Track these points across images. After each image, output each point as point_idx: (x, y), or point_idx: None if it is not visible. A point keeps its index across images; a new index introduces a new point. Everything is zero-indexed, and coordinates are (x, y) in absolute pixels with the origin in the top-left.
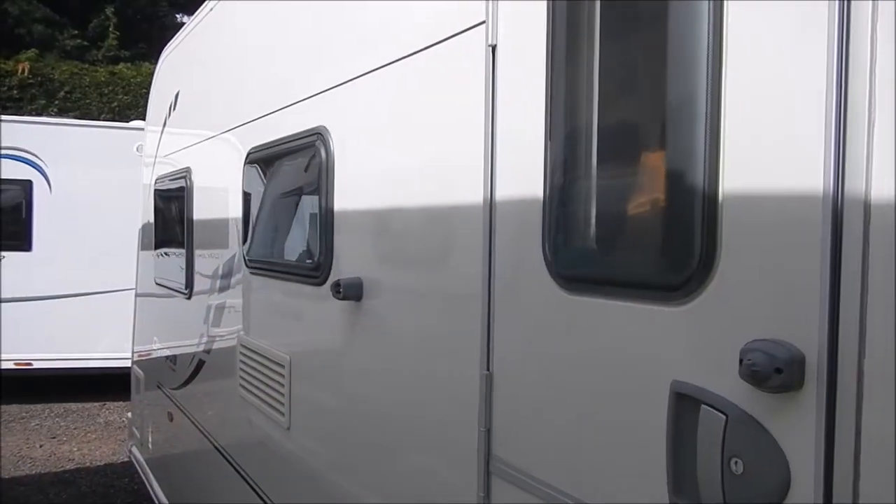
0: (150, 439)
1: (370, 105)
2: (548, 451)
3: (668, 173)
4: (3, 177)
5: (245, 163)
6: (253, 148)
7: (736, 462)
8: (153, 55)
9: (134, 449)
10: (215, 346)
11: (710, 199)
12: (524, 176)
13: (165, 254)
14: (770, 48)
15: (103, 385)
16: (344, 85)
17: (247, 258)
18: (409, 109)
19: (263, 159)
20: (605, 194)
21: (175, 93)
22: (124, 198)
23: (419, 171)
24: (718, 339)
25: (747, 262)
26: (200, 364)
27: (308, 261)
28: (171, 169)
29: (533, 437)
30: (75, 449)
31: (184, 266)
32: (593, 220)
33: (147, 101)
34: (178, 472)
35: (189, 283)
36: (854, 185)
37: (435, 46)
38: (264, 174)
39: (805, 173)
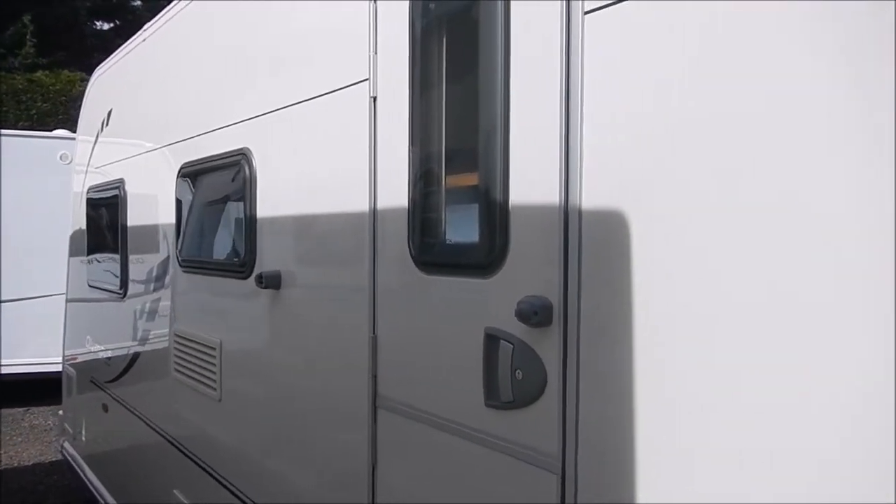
0: (83, 432)
1: (286, 132)
2: (413, 384)
3: (480, 188)
4: None
5: (178, 176)
6: (185, 163)
7: (518, 372)
8: (72, 63)
9: (66, 444)
10: (150, 338)
11: (503, 207)
12: (396, 191)
13: (98, 258)
14: (533, 103)
15: (27, 390)
16: (266, 115)
17: (180, 259)
18: (315, 138)
19: (194, 173)
20: (446, 203)
21: (108, 110)
22: (48, 205)
23: (322, 187)
24: (509, 298)
25: (524, 249)
26: (136, 356)
27: (235, 259)
28: (105, 179)
29: (404, 377)
30: (2, 452)
31: (118, 269)
32: (441, 222)
33: (66, 109)
34: (115, 457)
35: (124, 284)
36: (574, 196)
37: (334, 92)
38: (195, 186)
39: (549, 190)
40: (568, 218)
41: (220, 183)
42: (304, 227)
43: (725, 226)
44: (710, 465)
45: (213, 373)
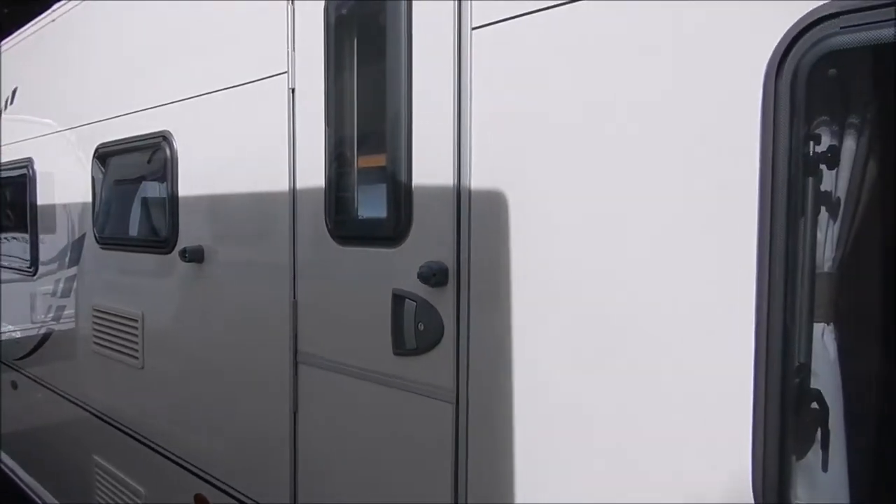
0: None
1: (209, 117)
2: (330, 340)
3: (388, 170)
4: None
5: (94, 156)
6: (102, 143)
7: (420, 325)
8: None
9: None
10: (64, 314)
11: (408, 188)
12: (313, 173)
13: (5, 237)
14: (431, 99)
15: None
16: (188, 100)
17: (97, 236)
18: (238, 123)
19: (112, 153)
20: (358, 184)
21: (13, 88)
22: None
23: (246, 168)
24: (412, 264)
25: (425, 223)
26: (48, 333)
27: (157, 235)
28: (9, 158)
29: (322, 335)
30: None
31: (27, 248)
32: (354, 201)
33: None
34: (29, 432)
35: (34, 263)
36: (465, 179)
37: (256, 82)
38: (113, 166)
39: (445, 173)
40: (460, 197)
41: (139, 163)
42: (228, 205)
43: (585, 209)
44: (567, 382)
45: (135, 343)
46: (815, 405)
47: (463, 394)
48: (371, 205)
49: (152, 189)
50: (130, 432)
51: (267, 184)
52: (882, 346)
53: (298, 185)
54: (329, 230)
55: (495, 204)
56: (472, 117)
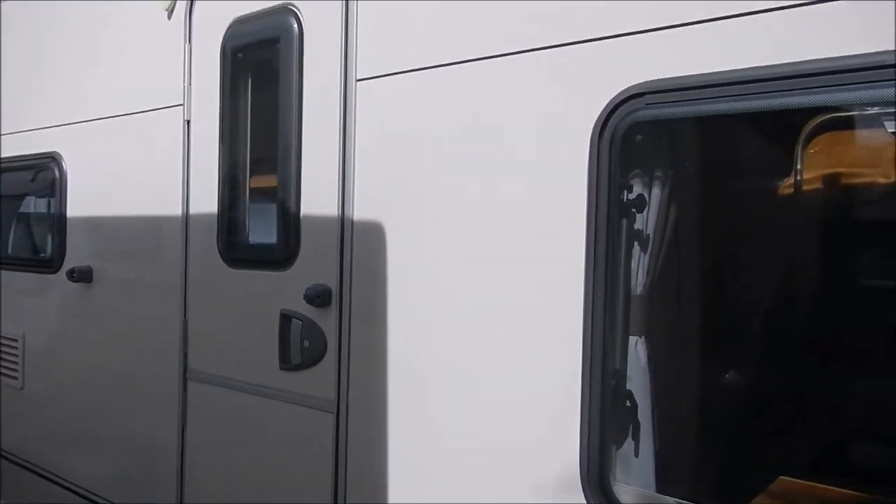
0: None
1: (103, 141)
2: (219, 358)
3: (279, 201)
4: None
5: None
6: None
7: (306, 342)
8: None
9: None
10: None
11: (296, 216)
12: (207, 200)
13: None
14: (320, 138)
15: None
16: (80, 123)
17: None
18: (132, 148)
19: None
20: (250, 213)
21: None
22: None
23: (137, 192)
24: (300, 286)
25: (312, 248)
26: None
27: (42, 254)
28: None
29: (212, 353)
30: None
31: None
32: (246, 228)
33: None
34: None
35: None
36: (349, 209)
37: (152, 112)
38: (1, 184)
39: (331, 204)
40: (344, 225)
41: (23, 182)
42: (119, 227)
43: (453, 236)
44: (435, 390)
45: (15, 363)
46: (628, 403)
47: (343, 404)
48: (262, 232)
49: (39, 208)
50: (9, 456)
51: (160, 209)
52: (681, 355)
53: (191, 212)
54: (221, 253)
55: (375, 230)
56: (355, 155)
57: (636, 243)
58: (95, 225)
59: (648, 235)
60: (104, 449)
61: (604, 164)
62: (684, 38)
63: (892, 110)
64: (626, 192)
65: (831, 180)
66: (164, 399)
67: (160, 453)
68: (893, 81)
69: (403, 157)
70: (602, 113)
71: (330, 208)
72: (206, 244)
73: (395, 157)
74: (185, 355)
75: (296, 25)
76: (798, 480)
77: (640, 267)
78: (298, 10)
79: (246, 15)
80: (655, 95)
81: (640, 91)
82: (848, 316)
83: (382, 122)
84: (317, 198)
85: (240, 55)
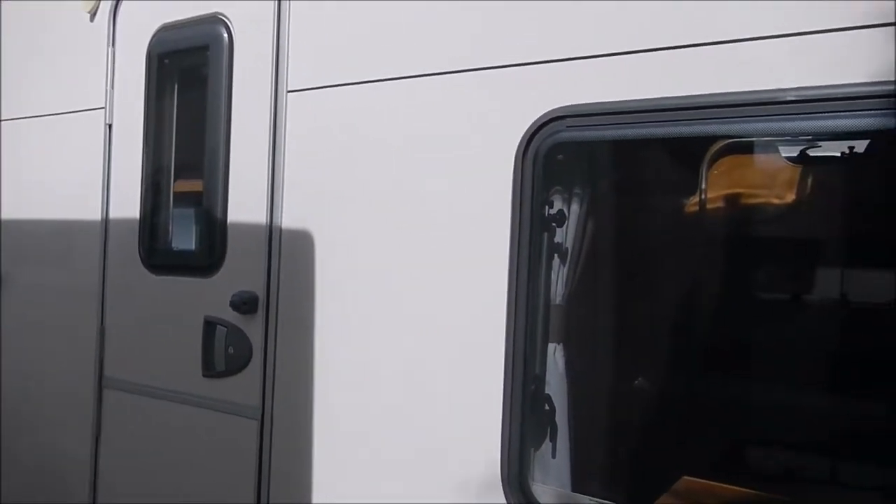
0: None
1: (18, 140)
2: (138, 365)
3: (205, 209)
4: None
5: None
6: None
7: (231, 349)
8: None
9: None
10: None
11: (223, 224)
12: (128, 204)
13: None
14: (249, 145)
15: None
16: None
17: None
18: (50, 149)
19: None
20: (174, 219)
21: None
22: None
23: (54, 194)
24: (225, 293)
25: (238, 256)
26: None
27: None
28: None
29: (130, 360)
30: None
31: None
32: (169, 234)
33: None
34: None
35: None
36: (276, 217)
37: (72, 113)
38: None
39: (258, 212)
40: (272, 233)
41: None
42: (33, 230)
43: (380, 247)
44: (367, 403)
45: None
46: (547, 407)
47: (268, 411)
48: (186, 238)
49: None
50: None
51: (78, 211)
52: (595, 361)
53: (112, 217)
54: (143, 259)
55: (304, 239)
56: (285, 163)
57: (556, 255)
58: (6, 228)
59: (567, 248)
60: (13, 462)
61: (527, 181)
62: (603, 68)
63: (785, 139)
64: (547, 207)
65: (732, 200)
66: (77, 408)
67: (72, 465)
68: (784, 116)
69: (333, 168)
70: (526, 133)
71: (258, 216)
72: (128, 250)
73: (325, 167)
74: (101, 363)
75: (226, 35)
76: (699, 480)
77: (559, 278)
78: (228, 20)
79: (174, 22)
80: (575, 119)
81: (562, 114)
82: (745, 325)
83: (313, 133)
84: (244, 205)
85: (166, 61)
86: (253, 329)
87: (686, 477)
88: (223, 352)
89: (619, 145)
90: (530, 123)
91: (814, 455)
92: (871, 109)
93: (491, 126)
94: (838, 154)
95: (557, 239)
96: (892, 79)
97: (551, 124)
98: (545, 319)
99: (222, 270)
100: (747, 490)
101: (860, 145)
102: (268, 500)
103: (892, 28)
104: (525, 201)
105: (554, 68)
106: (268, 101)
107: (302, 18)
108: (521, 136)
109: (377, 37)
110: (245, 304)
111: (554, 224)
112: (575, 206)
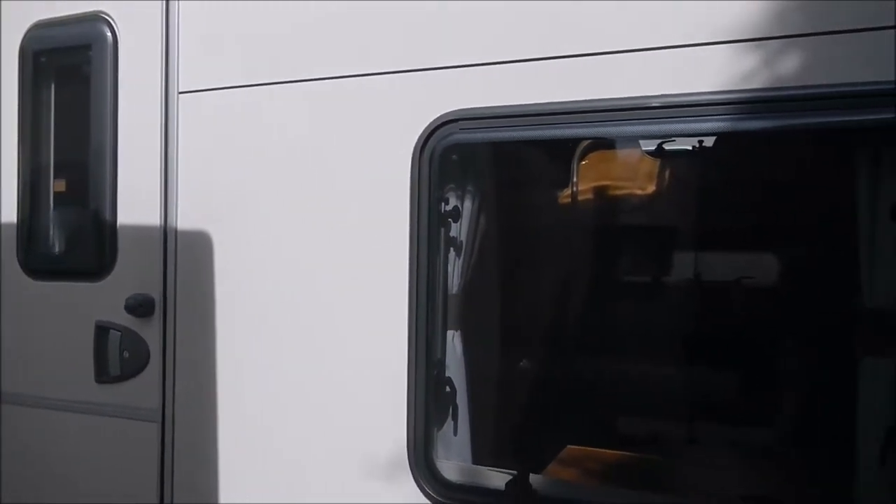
0: None
1: None
2: (31, 376)
3: (91, 209)
4: None
5: None
6: None
7: (126, 353)
8: None
9: None
10: None
11: (112, 225)
12: (5, 210)
13: None
14: (139, 147)
15: None
16: None
17: None
18: None
19: None
20: (58, 220)
21: None
22: None
23: None
24: (118, 296)
25: (131, 258)
26: None
27: None
28: None
29: (23, 372)
30: None
31: None
32: (51, 237)
33: None
34: None
35: None
36: (172, 219)
37: None
38: None
39: (152, 214)
40: (167, 234)
41: None
42: None
43: (282, 246)
44: (274, 394)
45: None
46: (448, 389)
47: (169, 413)
48: (71, 241)
49: None
50: None
51: None
52: (488, 346)
53: None
54: (21, 264)
55: (201, 240)
56: (178, 164)
57: (452, 249)
58: None
59: (462, 242)
60: None
61: (424, 180)
62: (493, 75)
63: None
64: (443, 204)
65: (600, 191)
66: None
67: None
68: (640, 119)
69: (231, 169)
70: (422, 135)
71: (151, 218)
72: (7, 258)
73: (222, 168)
74: None
75: (109, 34)
76: (582, 447)
77: (455, 269)
78: (112, 18)
79: (50, 19)
80: (467, 122)
81: (455, 118)
82: (616, 307)
83: (208, 134)
84: (136, 207)
85: (43, 59)
86: (149, 332)
87: (570, 446)
88: (118, 356)
89: (507, 146)
90: (426, 126)
91: (676, 420)
92: (717, 114)
93: (390, 128)
94: (690, 149)
95: (453, 233)
96: (736, 89)
97: (445, 127)
98: (444, 308)
99: (113, 274)
100: (622, 453)
101: (709, 143)
102: (171, 499)
103: (737, 44)
104: (422, 199)
105: (448, 74)
106: (158, 102)
107: (193, 19)
108: (418, 137)
109: (275, 39)
110: (141, 306)
111: (450, 219)
112: (468, 203)
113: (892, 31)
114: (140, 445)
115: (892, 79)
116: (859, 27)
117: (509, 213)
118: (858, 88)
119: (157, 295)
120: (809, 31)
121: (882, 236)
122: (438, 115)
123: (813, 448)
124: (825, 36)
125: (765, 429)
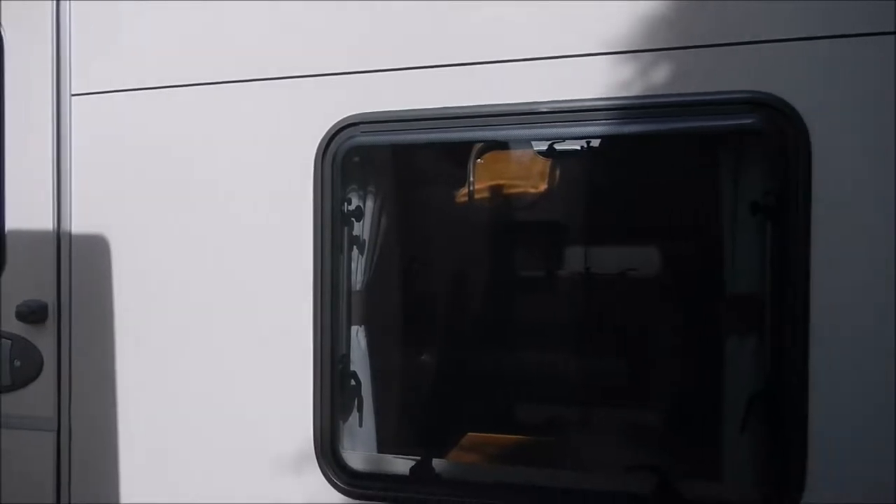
0: None
1: None
2: None
3: None
4: None
5: None
6: None
7: (17, 362)
8: None
9: None
10: None
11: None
12: None
13: None
14: (27, 152)
15: None
16: None
17: None
18: None
19: None
20: None
21: None
22: None
23: None
24: (8, 304)
25: (20, 264)
26: None
27: None
28: None
29: None
30: None
31: None
32: None
33: None
34: None
35: None
36: (66, 223)
37: None
38: None
39: (43, 219)
40: (60, 239)
41: None
42: None
43: (182, 249)
44: (166, 395)
45: None
46: (353, 382)
47: (65, 421)
48: None
49: None
50: None
51: None
52: (391, 340)
53: None
54: None
55: (97, 244)
56: (72, 167)
57: (355, 247)
58: None
59: (364, 240)
60: None
61: (327, 181)
62: (393, 80)
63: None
64: (346, 204)
65: (494, 190)
66: None
67: None
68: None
69: (127, 173)
70: (324, 137)
71: (43, 222)
72: None
73: (118, 172)
74: None
75: None
76: (481, 434)
77: (358, 267)
78: None
79: None
80: (368, 125)
81: (356, 121)
82: (511, 300)
83: (102, 136)
84: (25, 212)
85: None
86: (42, 339)
87: (470, 433)
88: (8, 365)
89: (407, 148)
90: (328, 129)
91: (566, 403)
92: (601, 119)
93: (293, 131)
94: (578, 149)
95: (356, 232)
96: (616, 96)
97: (347, 130)
98: (347, 304)
99: (1, 281)
100: (518, 437)
101: (594, 144)
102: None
103: (617, 55)
104: (325, 199)
105: (350, 79)
106: (49, 104)
107: (86, 21)
108: (320, 140)
109: (171, 42)
110: (34, 313)
111: (352, 219)
112: (370, 203)
113: (750, 45)
114: (35, 454)
115: (748, 88)
116: (720, 42)
117: (409, 212)
118: (721, 97)
119: (50, 301)
120: (678, 45)
121: (743, 229)
122: (341, 117)
123: (686, 420)
124: (691, 49)
125: (645, 406)
